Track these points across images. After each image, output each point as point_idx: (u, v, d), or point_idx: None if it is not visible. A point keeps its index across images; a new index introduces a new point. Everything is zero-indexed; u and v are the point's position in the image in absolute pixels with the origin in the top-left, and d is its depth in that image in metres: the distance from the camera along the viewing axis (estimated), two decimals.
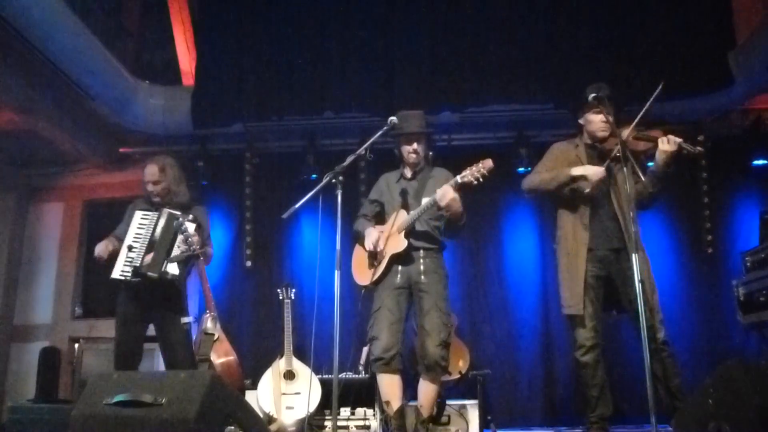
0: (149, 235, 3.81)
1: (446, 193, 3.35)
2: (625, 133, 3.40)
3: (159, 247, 3.76)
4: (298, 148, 6.04)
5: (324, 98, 5.58)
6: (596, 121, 3.52)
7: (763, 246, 4.72)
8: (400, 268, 3.59)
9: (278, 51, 5.61)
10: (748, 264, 4.77)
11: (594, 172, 3.44)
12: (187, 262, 3.84)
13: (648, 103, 3.32)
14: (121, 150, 6.34)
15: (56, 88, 5.25)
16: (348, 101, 5.56)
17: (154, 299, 3.78)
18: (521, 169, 5.68)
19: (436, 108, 5.37)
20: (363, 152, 3.44)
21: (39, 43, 4.58)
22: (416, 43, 5.50)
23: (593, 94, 3.33)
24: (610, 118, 3.41)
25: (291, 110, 5.66)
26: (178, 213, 3.84)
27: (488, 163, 3.30)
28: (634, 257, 3.09)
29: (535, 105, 5.60)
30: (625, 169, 3.21)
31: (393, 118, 3.36)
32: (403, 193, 3.69)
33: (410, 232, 3.57)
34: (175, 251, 3.74)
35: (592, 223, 3.52)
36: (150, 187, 3.96)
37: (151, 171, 3.97)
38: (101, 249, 3.83)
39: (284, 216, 3.34)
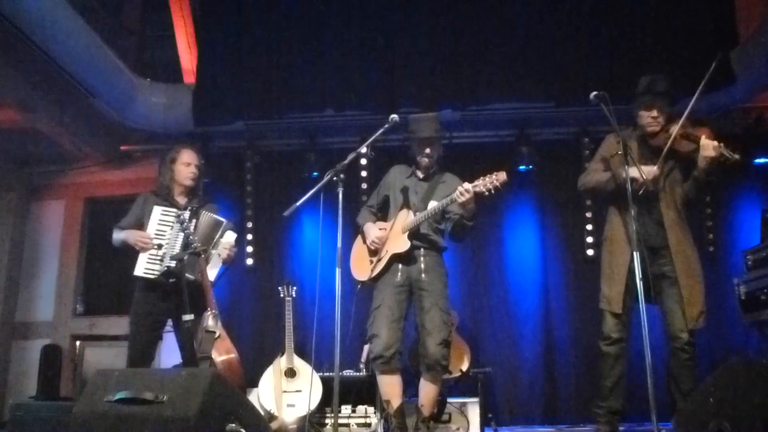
0: (182, 235, 3.76)
1: (466, 192, 3.33)
2: (673, 129, 3.38)
3: (204, 251, 3.73)
4: (299, 146, 6.04)
5: (325, 96, 5.58)
6: (645, 117, 3.50)
7: (764, 244, 4.72)
8: (400, 266, 3.59)
9: (279, 49, 5.60)
10: (750, 262, 4.77)
11: (648, 171, 3.39)
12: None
13: (687, 111, 3.34)
14: (122, 148, 6.35)
15: (57, 86, 5.24)
16: (349, 99, 5.56)
17: (178, 298, 3.73)
18: (522, 167, 5.68)
19: (436, 106, 5.35)
20: (364, 150, 3.45)
21: (40, 41, 4.58)
22: (417, 41, 5.49)
23: (594, 93, 3.30)
24: (662, 116, 3.41)
25: (292, 108, 5.66)
26: (223, 219, 3.87)
27: (502, 176, 3.28)
28: (636, 255, 3.10)
29: (536, 103, 5.59)
30: (622, 167, 3.21)
31: (394, 116, 3.36)
32: (412, 192, 3.70)
33: (414, 233, 3.57)
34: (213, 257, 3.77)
35: (638, 221, 3.50)
36: (192, 170, 3.94)
37: (190, 155, 3.98)
38: (137, 240, 3.77)
39: (285, 214, 3.34)
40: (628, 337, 3.53)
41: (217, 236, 3.85)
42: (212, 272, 3.79)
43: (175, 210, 3.84)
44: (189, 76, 6.02)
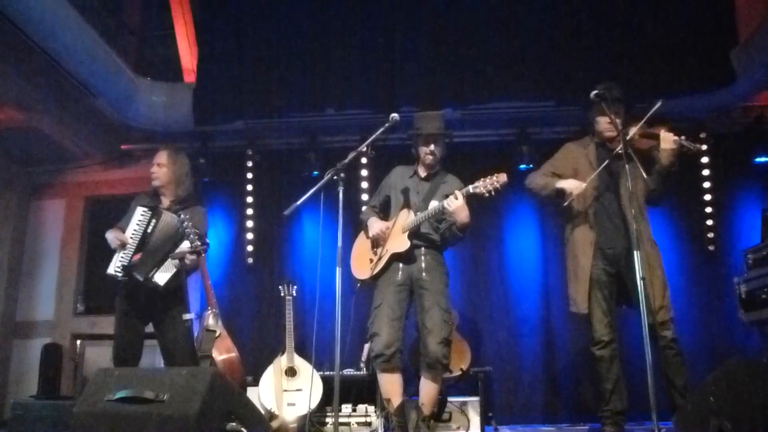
0: (141, 233, 3.79)
1: (456, 200, 3.35)
2: (632, 131, 3.42)
3: (151, 249, 3.74)
4: (299, 145, 6.04)
5: (325, 95, 5.58)
6: (602, 122, 3.57)
7: (765, 243, 4.71)
8: (401, 265, 3.59)
9: (280, 48, 5.60)
10: (750, 261, 4.76)
11: (574, 186, 3.51)
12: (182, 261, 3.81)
13: (651, 111, 3.40)
14: (122, 147, 6.34)
15: (58, 85, 5.24)
16: (349, 98, 5.56)
17: (151, 298, 3.78)
18: (523, 167, 5.68)
19: (437, 105, 5.34)
20: (364, 149, 3.45)
21: (41, 40, 4.58)
22: (418, 40, 5.49)
23: (595, 92, 3.32)
24: (617, 120, 3.43)
25: (292, 107, 5.66)
26: (183, 217, 3.74)
27: (502, 177, 3.30)
28: (636, 254, 3.10)
29: (536, 102, 5.59)
30: (627, 166, 3.23)
31: (395, 115, 3.36)
32: (414, 192, 3.70)
33: (414, 232, 3.57)
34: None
35: (600, 223, 3.56)
36: (154, 169, 3.95)
37: (160, 155, 3.98)
38: (114, 238, 3.78)
39: (286, 213, 3.35)
40: (617, 337, 3.56)
41: (175, 241, 3.79)
42: (163, 276, 3.71)
43: (148, 211, 3.85)
44: (189, 75, 6.02)
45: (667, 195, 3.65)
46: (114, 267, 3.75)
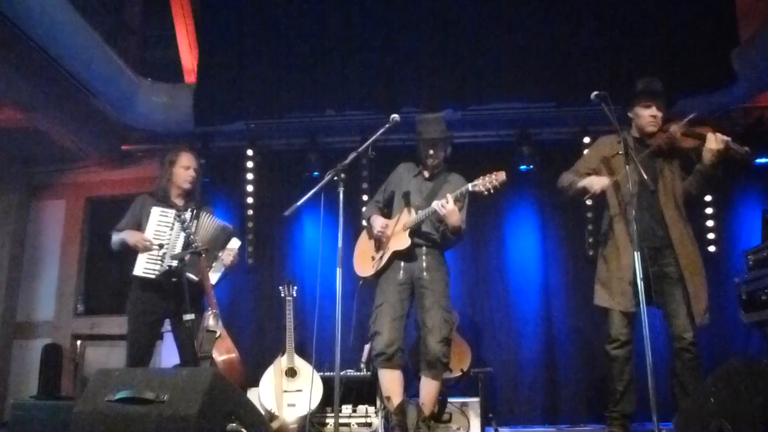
0: (183, 235, 3.76)
1: (446, 204, 3.36)
2: (673, 128, 3.40)
3: (205, 251, 3.75)
4: (300, 145, 6.04)
5: (326, 96, 5.58)
6: (645, 116, 3.51)
7: (765, 244, 4.70)
8: (402, 264, 3.60)
9: (280, 49, 5.61)
10: (751, 262, 4.75)
11: (595, 184, 3.45)
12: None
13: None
14: (123, 147, 6.34)
15: (58, 86, 5.24)
16: (350, 99, 5.56)
17: (177, 298, 3.75)
18: (523, 167, 5.69)
19: (437, 106, 5.36)
20: (365, 150, 3.45)
21: (41, 40, 4.58)
22: (418, 41, 5.49)
23: (595, 93, 3.30)
24: (659, 114, 3.42)
25: (293, 108, 5.66)
26: (229, 225, 3.93)
27: (501, 175, 3.32)
28: (636, 255, 3.09)
29: (537, 103, 5.59)
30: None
31: (395, 116, 3.36)
32: (417, 191, 3.71)
33: (415, 231, 3.58)
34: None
35: (638, 219, 3.49)
36: (191, 173, 3.95)
37: (189, 158, 3.99)
38: (137, 242, 3.75)
39: (286, 213, 3.35)
40: (634, 339, 3.52)
41: (223, 241, 3.91)
42: (215, 276, 3.82)
43: (173, 211, 3.84)
44: (190, 75, 6.02)
45: (700, 198, 3.59)
46: (144, 268, 3.73)
